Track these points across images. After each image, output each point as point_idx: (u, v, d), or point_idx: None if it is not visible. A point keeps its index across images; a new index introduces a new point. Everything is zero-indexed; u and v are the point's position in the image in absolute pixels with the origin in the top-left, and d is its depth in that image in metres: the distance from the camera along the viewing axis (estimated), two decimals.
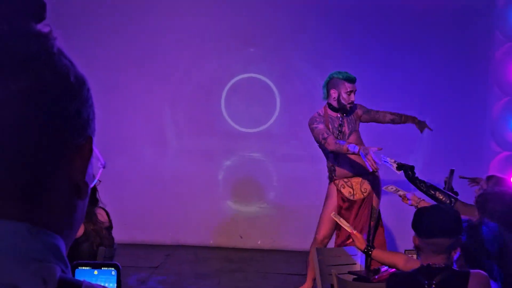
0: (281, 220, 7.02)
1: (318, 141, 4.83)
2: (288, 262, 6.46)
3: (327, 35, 6.93)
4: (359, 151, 4.40)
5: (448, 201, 3.79)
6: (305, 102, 6.75)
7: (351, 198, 4.93)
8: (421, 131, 5.17)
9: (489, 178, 4.13)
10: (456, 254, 2.62)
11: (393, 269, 3.16)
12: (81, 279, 0.66)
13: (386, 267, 3.60)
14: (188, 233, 7.03)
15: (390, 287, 2.69)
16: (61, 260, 0.65)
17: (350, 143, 4.60)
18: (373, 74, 6.59)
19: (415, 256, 3.22)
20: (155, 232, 7.05)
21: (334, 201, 4.98)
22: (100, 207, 3.66)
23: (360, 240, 3.40)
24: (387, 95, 6.49)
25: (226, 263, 6.40)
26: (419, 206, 3.62)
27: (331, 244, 5.08)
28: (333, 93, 4.89)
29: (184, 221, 7.05)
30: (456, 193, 4.39)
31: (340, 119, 4.95)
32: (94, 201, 3.59)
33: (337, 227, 4.81)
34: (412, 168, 4.25)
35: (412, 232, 2.71)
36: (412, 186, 4.23)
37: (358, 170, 4.90)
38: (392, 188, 4.17)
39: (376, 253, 3.31)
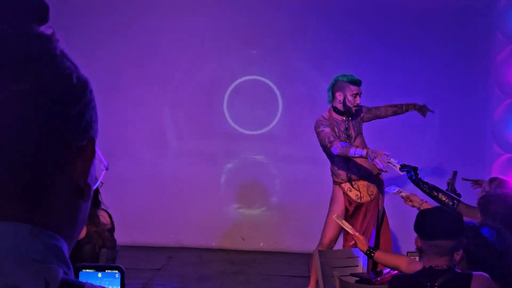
0: (283, 222, 7.00)
1: (323, 145, 4.78)
2: (291, 264, 6.43)
3: (327, 35, 6.93)
4: (366, 155, 4.38)
5: (451, 203, 3.78)
6: (305, 103, 6.75)
7: (359, 201, 4.88)
8: (424, 116, 5.22)
9: (492, 180, 4.12)
10: (459, 256, 2.62)
11: (396, 271, 3.16)
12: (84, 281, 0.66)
13: (388, 269, 3.60)
14: (190, 235, 7.01)
15: None
16: (63, 262, 0.64)
17: (357, 146, 4.58)
18: (373, 74, 6.57)
19: (417, 258, 3.22)
20: (156, 234, 7.03)
21: (340, 204, 4.93)
22: (102, 209, 3.67)
23: (362, 242, 3.40)
24: (387, 95, 6.46)
25: (228, 265, 6.39)
26: (421, 208, 3.63)
27: (339, 248, 5.03)
28: (339, 96, 4.87)
29: (186, 223, 7.04)
30: (459, 195, 4.40)
31: (346, 122, 4.93)
32: (96, 203, 3.60)
33: (345, 231, 4.73)
34: (415, 169, 4.24)
35: (415, 234, 2.71)
36: (415, 187, 4.22)
37: (365, 174, 4.88)
38: (395, 190, 4.17)
39: (379, 255, 3.30)
